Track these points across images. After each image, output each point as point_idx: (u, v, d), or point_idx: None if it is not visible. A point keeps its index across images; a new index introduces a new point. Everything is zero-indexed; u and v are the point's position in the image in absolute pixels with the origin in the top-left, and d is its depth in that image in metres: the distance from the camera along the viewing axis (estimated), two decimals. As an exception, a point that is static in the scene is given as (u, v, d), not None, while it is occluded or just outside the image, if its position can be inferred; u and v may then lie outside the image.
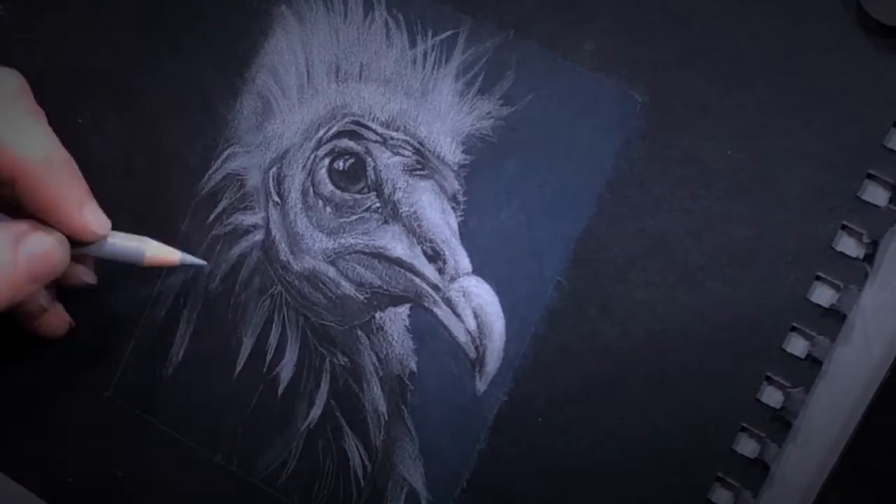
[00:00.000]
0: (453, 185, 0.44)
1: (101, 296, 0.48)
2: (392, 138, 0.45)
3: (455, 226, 0.44)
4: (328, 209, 0.46)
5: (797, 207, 0.40)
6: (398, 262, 0.45)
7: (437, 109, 0.45)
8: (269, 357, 0.46)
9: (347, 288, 0.46)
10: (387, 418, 0.45)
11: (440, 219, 0.44)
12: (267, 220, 0.47)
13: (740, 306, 0.41)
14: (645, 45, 0.42)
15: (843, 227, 0.40)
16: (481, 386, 0.44)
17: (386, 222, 0.45)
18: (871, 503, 0.42)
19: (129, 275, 0.48)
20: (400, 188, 0.45)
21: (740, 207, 0.41)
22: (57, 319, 0.47)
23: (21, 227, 0.42)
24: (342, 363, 0.45)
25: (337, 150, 0.46)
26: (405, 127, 0.45)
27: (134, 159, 0.49)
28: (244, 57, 0.47)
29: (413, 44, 0.45)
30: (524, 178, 0.43)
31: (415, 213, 0.45)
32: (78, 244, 0.43)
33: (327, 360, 0.46)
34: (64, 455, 0.48)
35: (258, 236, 0.47)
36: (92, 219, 0.42)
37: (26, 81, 0.43)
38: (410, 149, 0.45)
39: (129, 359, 0.48)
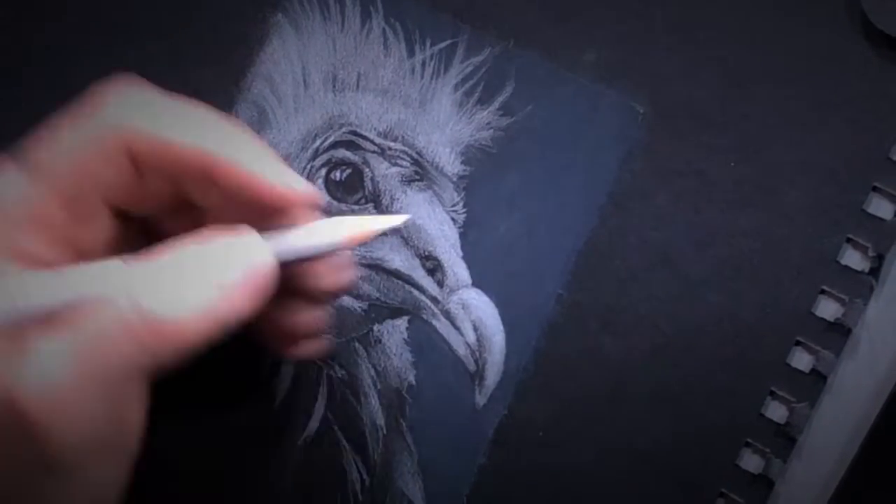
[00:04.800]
0: (452, 196, 0.44)
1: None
2: (390, 149, 0.45)
3: (454, 237, 0.44)
4: (325, 220, 0.45)
5: (801, 220, 0.40)
6: (396, 274, 0.44)
7: (435, 120, 0.44)
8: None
9: (345, 300, 0.45)
10: (385, 432, 0.44)
11: (439, 230, 0.44)
12: (263, 230, 0.46)
13: (744, 320, 0.40)
14: (647, 56, 0.42)
15: (849, 241, 0.39)
16: (481, 400, 0.43)
17: (384, 233, 0.45)
18: (874, 517, 0.42)
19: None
20: (398, 199, 0.44)
21: (744, 220, 0.41)
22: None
23: (211, 234, 0.36)
24: (339, 376, 0.45)
25: (334, 160, 0.45)
26: (403, 137, 0.45)
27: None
28: (240, 66, 0.46)
29: (411, 53, 0.44)
30: (524, 189, 0.43)
31: (413, 224, 0.44)
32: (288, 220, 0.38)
33: (324, 372, 0.45)
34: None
35: (254, 247, 0.46)
36: (299, 184, 0.37)
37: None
38: (409, 159, 0.44)
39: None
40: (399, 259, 0.44)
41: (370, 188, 0.45)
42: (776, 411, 0.40)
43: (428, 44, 0.44)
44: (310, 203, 0.38)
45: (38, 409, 0.32)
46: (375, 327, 0.45)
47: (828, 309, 0.39)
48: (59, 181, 0.36)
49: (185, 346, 0.34)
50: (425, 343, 0.44)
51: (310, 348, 0.41)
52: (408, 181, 0.44)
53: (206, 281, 0.34)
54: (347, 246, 0.38)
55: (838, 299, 0.39)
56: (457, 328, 0.44)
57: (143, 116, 0.37)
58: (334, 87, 0.45)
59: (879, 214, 0.39)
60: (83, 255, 0.37)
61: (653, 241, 0.41)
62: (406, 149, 0.44)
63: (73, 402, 0.32)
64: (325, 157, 0.45)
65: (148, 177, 0.37)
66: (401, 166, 0.45)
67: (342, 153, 0.45)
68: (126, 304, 0.33)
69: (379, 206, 0.45)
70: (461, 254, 0.44)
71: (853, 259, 0.39)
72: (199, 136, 0.37)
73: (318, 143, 0.46)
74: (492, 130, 0.43)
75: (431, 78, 0.44)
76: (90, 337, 0.33)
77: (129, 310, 0.33)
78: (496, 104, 0.43)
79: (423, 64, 0.44)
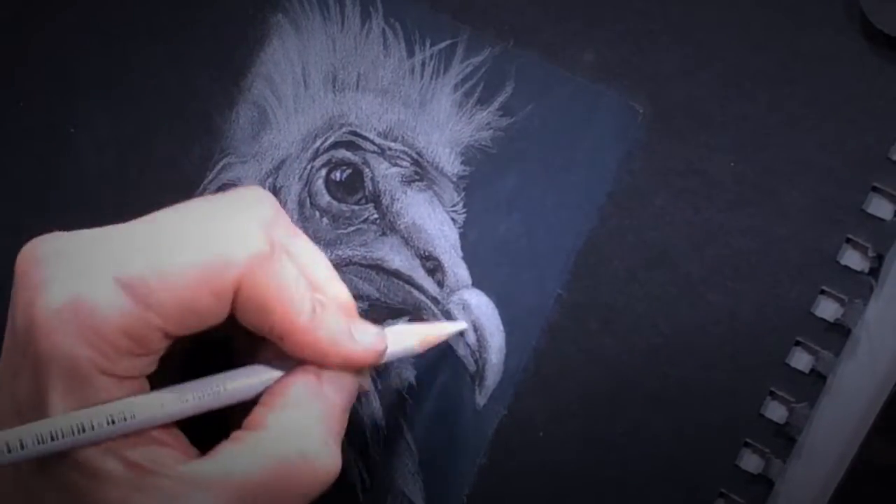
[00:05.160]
0: (452, 196, 0.44)
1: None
2: (390, 149, 0.45)
3: (454, 238, 0.44)
4: (325, 220, 0.45)
5: (801, 220, 0.40)
6: (396, 275, 0.44)
7: (435, 120, 0.44)
8: (265, 370, 0.46)
9: (345, 300, 0.45)
10: (386, 432, 0.44)
11: (439, 230, 0.44)
12: (263, 230, 0.46)
13: (743, 320, 0.40)
14: (646, 56, 0.42)
15: (848, 241, 0.39)
16: (481, 400, 0.43)
17: (384, 234, 0.45)
18: (875, 518, 0.42)
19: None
20: (398, 199, 0.44)
21: (743, 220, 0.40)
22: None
23: (312, 368, 0.39)
24: (340, 376, 0.45)
25: (334, 160, 0.45)
26: (403, 137, 0.45)
27: (128, 169, 0.48)
28: (240, 66, 0.47)
29: (411, 53, 0.44)
30: (524, 189, 0.43)
31: (413, 224, 0.44)
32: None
33: (325, 372, 0.45)
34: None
35: (254, 247, 0.46)
36: (366, 341, 0.40)
37: (275, 199, 0.41)
38: (409, 159, 0.44)
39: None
40: (399, 259, 0.44)
41: (370, 188, 0.45)
42: (776, 411, 0.40)
43: (427, 44, 0.44)
44: (371, 363, 0.41)
45: None
46: (375, 327, 0.45)
47: (827, 309, 0.39)
48: (168, 313, 0.36)
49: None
50: (425, 343, 0.44)
51: None
52: (408, 181, 0.44)
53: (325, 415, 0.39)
54: (419, 351, 0.43)
55: (838, 299, 0.39)
56: (457, 328, 0.44)
57: (258, 263, 0.38)
58: (334, 87, 0.45)
59: (879, 214, 0.39)
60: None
61: (652, 240, 0.41)
62: (406, 149, 0.44)
63: None
64: (325, 157, 0.45)
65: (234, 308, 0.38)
66: (401, 166, 0.45)
67: (342, 153, 0.45)
68: (294, 457, 0.37)
69: (379, 206, 0.45)
70: (461, 254, 0.44)
71: (853, 259, 0.39)
72: (292, 301, 0.38)
73: (318, 143, 0.46)
74: (491, 131, 0.43)
75: (431, 78, 0.44)
76: (252, 489, 0.37)
77: (299, 464, 0.37)
78: (496, 104, 0.43)
79: (423, 64, 0.44)
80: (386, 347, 0.40)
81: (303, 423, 0.38)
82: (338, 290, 0.41)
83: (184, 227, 0.38)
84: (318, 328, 0.39)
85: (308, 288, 0.39)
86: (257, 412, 0.38)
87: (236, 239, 0.37)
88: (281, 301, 0.38)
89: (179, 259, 0.37)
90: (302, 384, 0.39)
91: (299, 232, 0.41)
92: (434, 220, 0.44)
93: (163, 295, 0.36)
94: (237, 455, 0.37)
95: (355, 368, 0.40)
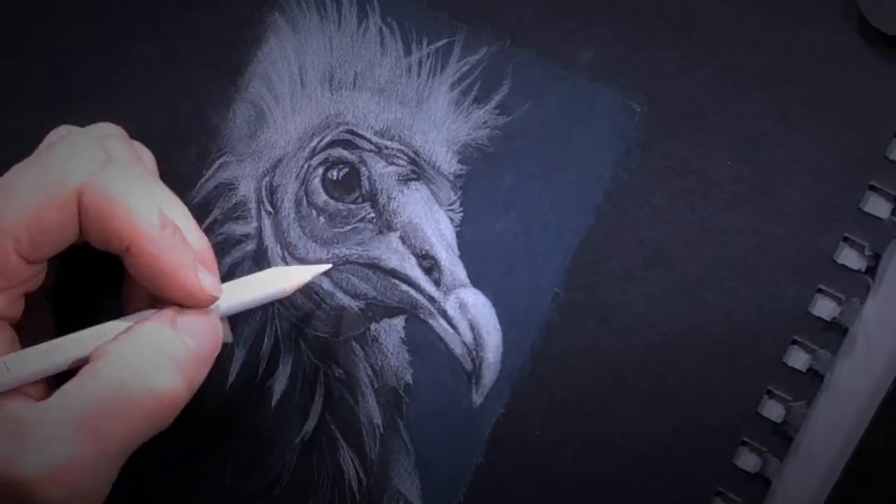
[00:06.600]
0: (449, 195, 0.44)
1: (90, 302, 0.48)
2: (387, 148, 0.45)
3: (451, 236, 0.44)
4: (322, 219, 0.45)
5: (798, 219, 0.40)
6: (393, 273, 0.44)
7: (432, 118, 0.44)
8: (261, 369, 0.46)
9: (342, 299, 0.45)
10: (382, 431, 0.44)
11: (436, 229, 0.44)
12: (259, 230, 0.46)
13: (740, 319, 0.40)
14: (643, 54, 0.42)
15: (845, 239, 0.39)
16: (478, 399, 0.43)
17: (380, 233, 0.45)
18: (872, 516, 0.42)
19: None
20: (395, 198, 0.44)
21: (740, 218, 0.40)
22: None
23: (168, 313, 0.40)
24: (337, 375, 0.45)
25: (331, 159, 0.45)
26: (400, 136, 0.44)
27: (124, 168, 0.48)
28: (237, 65, 0.46)
29: (408, 52, 0.44)
30: (521, 188, 0.43)
31: (410, 223, 0.44)
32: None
33: (321, 371, 0.45)
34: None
35: (250, 246, 0.46)
36: (207, 282, 0.40)
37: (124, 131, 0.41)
38: (405, 158, 0.44)
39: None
40: (396, 258, 0.44)
41: (367, 187, 0.45)
42: (773, 410, 0.40)
43: (425, 42, 0.44)
44: (207, 304, 0.41)
45: (40, 487, 0.35)
46: (372, 326, 0.45)
47: (825, 308, 0.39)
48: (18, 232, 0.38)
49: (177, 411, 0.39)
50: (422, 342, 0.44)
51: None
52: (405, 180, 0.44)
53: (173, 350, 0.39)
54: (283, 296, 0.43)
55: (835, 298, 0.39)
56: (454, 327, 0.44)
57: (98, 171, 0.39)
58: (331, 85, 0.45)
59: (876, 213, 0.39)
60: (29, 301, 0.40)
61: (649, 239, 0.41)
62: (403, 147, 0.44)
63: (72, 474, 0.36)
64: (322, 156, 0.45)
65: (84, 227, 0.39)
66: (398, 165, 0.44)
67: (339, 152, 0.45)
68: (133, 379, 0.37)
69: (376, 204, 0.45)
70: (458, 253, 0.44)
71: (850, 258, 0.39)
72: (138, 210, 0.39)
73: (315, 142, 0.46)
74: (488, 129, 0.43)
75: (428, 76, 0.44)
76: (93, 412, 0.37)
77: (137, 385, 0.37)
78: (493, 103, 0.43)
79: (420, 62, 0.44)
80: (218, 297, 0.41)
81: (145, 351, 0.38)
82: (194, 236, 0.42)
83: (22, 163, 0.39)
84: (165, 247, 0.39)
85: (157, 201, 0.39)
86: (102, 345, 0.39)
87: (73, 154, 0.39)
88: (125, 207, 0.38)
89: (19, 182, 0.38)
90: (153, 321, 0.39)
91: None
92: (431, 219, 0.44)
93: (8, 218, 0.37)
94: (77, 386, 0.37)
95: (191, 304, 0.40)
